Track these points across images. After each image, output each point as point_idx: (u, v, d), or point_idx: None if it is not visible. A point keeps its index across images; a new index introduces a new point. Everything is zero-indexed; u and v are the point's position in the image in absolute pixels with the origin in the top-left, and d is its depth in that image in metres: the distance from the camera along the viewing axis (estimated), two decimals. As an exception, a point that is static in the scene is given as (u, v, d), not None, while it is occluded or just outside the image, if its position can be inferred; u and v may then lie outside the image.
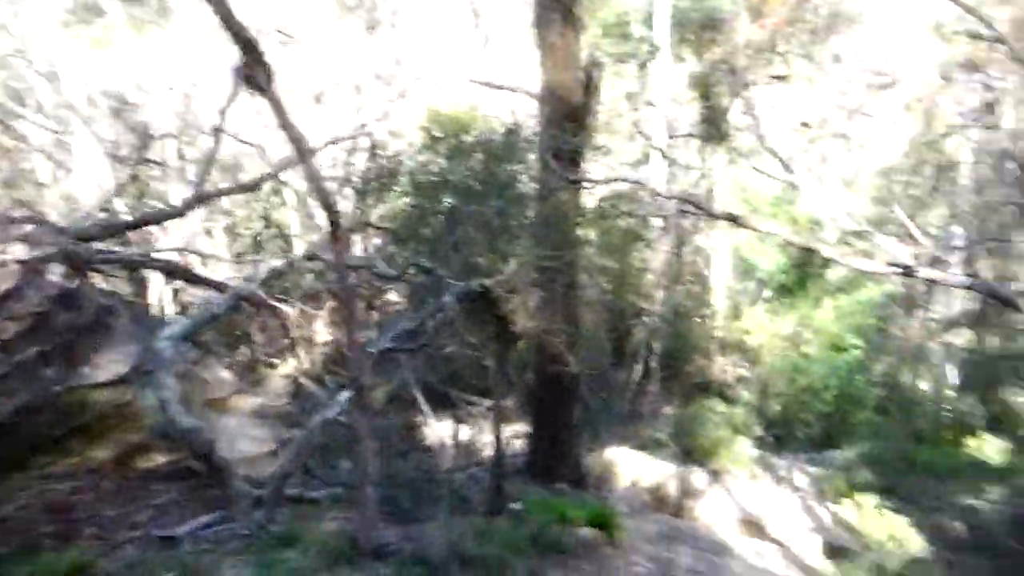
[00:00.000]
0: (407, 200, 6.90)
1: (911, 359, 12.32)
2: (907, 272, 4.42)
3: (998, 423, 10.85)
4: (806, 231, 23.30)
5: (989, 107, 5.76)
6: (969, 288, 4.48)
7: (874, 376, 16.06)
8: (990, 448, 5.34)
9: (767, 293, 22.86)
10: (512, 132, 6.32)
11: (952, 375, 15.37)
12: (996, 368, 10.37)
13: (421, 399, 11.81)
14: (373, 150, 7.06)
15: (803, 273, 23.30)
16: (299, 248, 11.10)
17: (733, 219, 5.30)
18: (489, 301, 5.89)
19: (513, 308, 5.86)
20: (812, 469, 11.96)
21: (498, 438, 7.17)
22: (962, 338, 16.11)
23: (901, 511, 9.18)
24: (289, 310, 10.67)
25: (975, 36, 6.31)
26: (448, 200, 6.53)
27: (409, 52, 13.50)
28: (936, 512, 8.49)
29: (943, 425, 13.14)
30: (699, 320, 16.73)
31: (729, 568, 6.96)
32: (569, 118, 8.30)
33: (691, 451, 10.86)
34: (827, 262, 22.84)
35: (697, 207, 5.61)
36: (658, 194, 5.94)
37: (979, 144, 9.92)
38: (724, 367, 16.16)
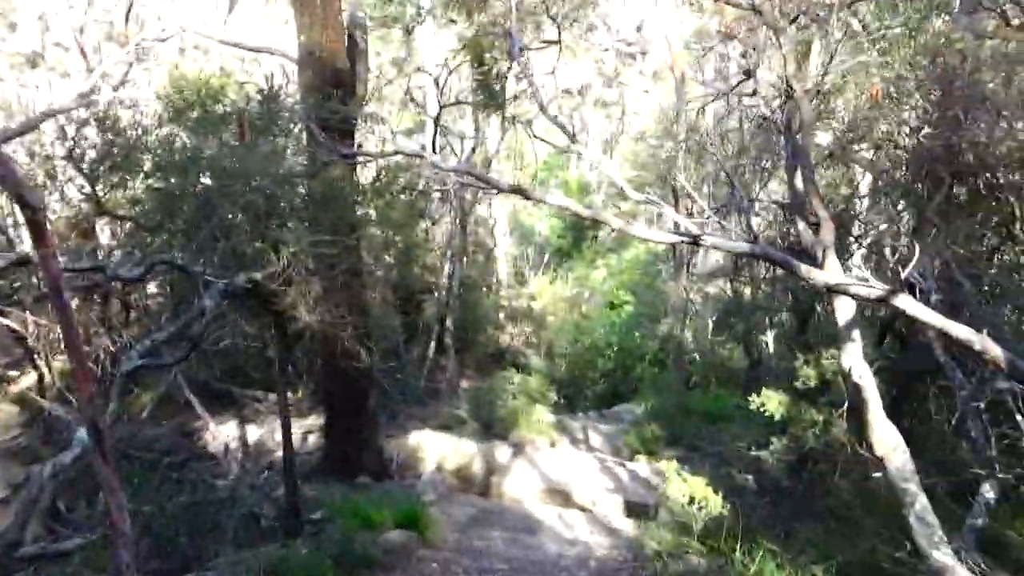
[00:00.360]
0: (151, 183, 5.73)
1: (679, 312, 13.06)
2: (695, 241, 4.25)
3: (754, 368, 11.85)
4: (578, 197, 24.28)
5: (748, 74, 6.03)
6: (751, 255, 4.40)
7: (648, 331, 17.00)
8: (772, 402, 5.54)
9: (546, 257, 23.55)
10: (271, 99, 5.40)
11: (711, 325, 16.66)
12: (751, 317, 11.22)
13: (196, 402, 10.47)
14: (105, 123, 5.76)
15: (578, 235, 24.25)
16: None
17: (521, 192, 4.89)
18: (261, 297, 5.02)
19: (290, 302, 5.03)
20: (604, 427, 12.33)
21: (287, 443, 6.30)
22: (717, 288, 17.55)
23: (688, 463, 9.74)
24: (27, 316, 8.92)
25: (730, 3, 6.39)
26: (202, 181, 5.49)
27: (147, 8, 11.75)
28: (726, 464, 8.99)
29: (713, 374, 14.17)
30: (486, 290, 16.65)
31: (542, 548, 6.74)
32: (334, 84, 7.48)
33: (491, 425, 10.67)
34: (597, 224, 24.10)
35: (483, 181, 5.11)
36: (440, 168, 5.36)
37: (739, 110, 10.56)
38: (513, 335, 16.25)
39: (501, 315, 16.51)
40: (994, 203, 6.07)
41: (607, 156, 23.50)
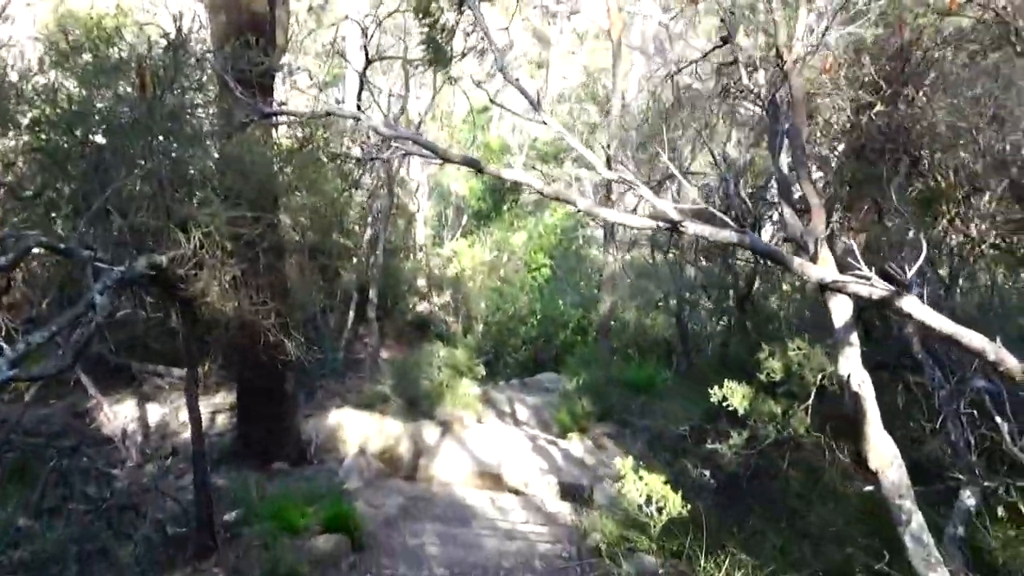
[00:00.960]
0: (29, 140, 4.72)
1: (607, 280, 12.70)
2: (675, 228, 3.73)
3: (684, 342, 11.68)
4: (498, 157, 23.55)
5: (725, 40, 5.62)
6: (739, 245, 3.92)
7: (572, 298, 16.65)
8: (736, 396, 5.18)
9: (465, 220, 22.82)
10: (178, 46, 4.47)
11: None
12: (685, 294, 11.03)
13: (87, 381, 9.35)
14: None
15: (498, 199, 23.58)
16: None
17: (474, 165, 4.25)
18: (166, 284, 4.19)
19: (202, 288, 4.23)
20: (530, 399, 11.93)
21: (197, 439, 5.50)
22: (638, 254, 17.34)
23: (620, 439, 9.45)
24: None
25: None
26: (93, 140, 4.55)
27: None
28: (658, 440, 8.72)
29: (634, 344, 13.95)
30: (407, 256, 15.85)
31: (480, 545, 6.25)
32: (251, 30, 6.50)
33: (416, 401, 10.04)
34: (518, 187, 23.49)
35: (430, 150, 4.42)
36: (381, 133, 4.61)
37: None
38: (435, 302, 15.58)
39: (421, 282, 15.78)
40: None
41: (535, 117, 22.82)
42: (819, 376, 4.91)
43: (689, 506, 4.93)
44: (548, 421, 11.01)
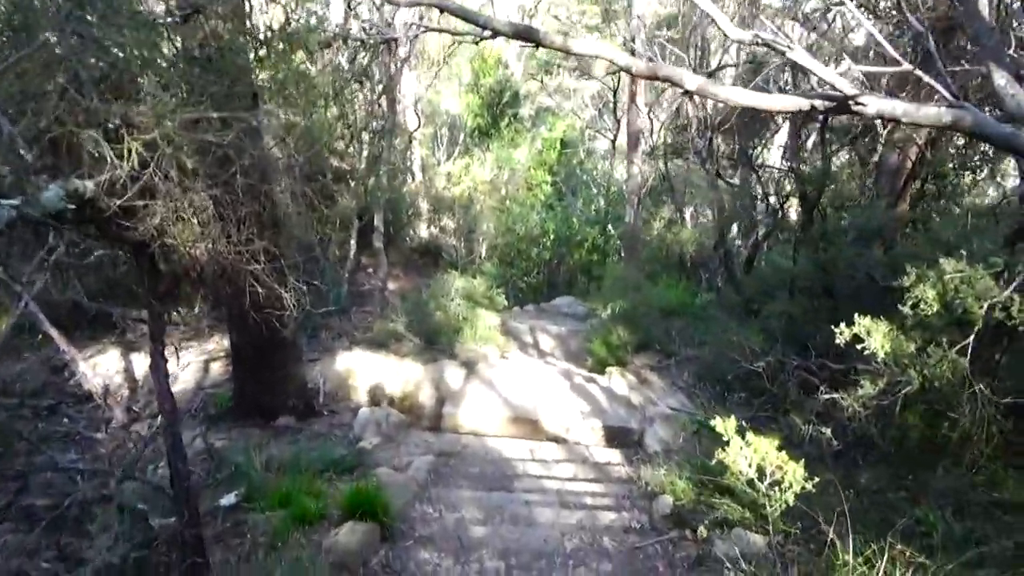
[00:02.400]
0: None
1: (631, 194, 11.33)
2: (843, 105, 2.36)
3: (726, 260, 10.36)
4: (493, 69, 21.57)
5: None
6: (951, 127, 2.52)
7: (584, 215, 15.28)
8: (876, 335, 3.94)
9: (462, 138, 21.11)
10: None
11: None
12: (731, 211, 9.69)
13: (56, 334, 8.04)
14: None
15: (496, 113, 21.77)
16: None
17: (531, 37, 2.81)
18: (99, 221, 2.81)
19: (157, 226, 2.86)
20: (553, 327, 10.73)
21: (169, 422, 4.25)
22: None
23: (666, 372, 8.26)
24: None
25: None
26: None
27: None
28: (708, 371, 7.52)
29: (658, 262, 12.68)
30: (405, 177, 14.30)
31: (529, 513, 5.10)
32: None
33: (433, 339, 8.79)
34: (517, 100, 21.65)
35: (466, 18, 2.96)
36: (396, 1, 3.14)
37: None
38: (441, 226, 14.16)
39: (424, 205, 14.31)
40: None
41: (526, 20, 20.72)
42: (983, 307, 3.63)
43: (814, 479, 3.72)
44: (577, 352, 9.84)
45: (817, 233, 6.68)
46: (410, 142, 13.14)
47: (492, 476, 5.98)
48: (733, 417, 4.04)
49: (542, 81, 20.70)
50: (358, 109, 12.10)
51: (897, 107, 2.62)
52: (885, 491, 4.51)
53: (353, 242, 10.99)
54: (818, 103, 2.78)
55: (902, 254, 5.86)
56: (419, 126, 13.23)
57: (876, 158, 8.69)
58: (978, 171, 9.85)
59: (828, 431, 4.15)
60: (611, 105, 20.15)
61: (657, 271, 12.09)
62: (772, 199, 11.18)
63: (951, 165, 8.49)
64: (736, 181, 11.85)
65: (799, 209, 11.69)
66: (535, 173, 19.11)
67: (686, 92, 2.98)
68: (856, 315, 3.93)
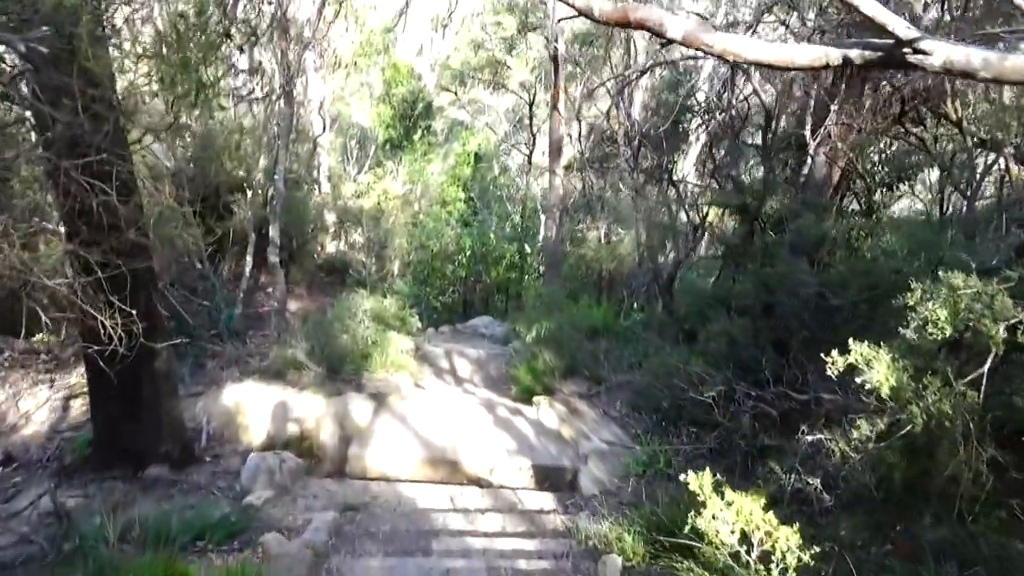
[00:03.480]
0: None
1: (553, 209, 10.60)
2: (892, 57, 1.57)
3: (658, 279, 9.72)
4: (407, 81, 20.56)
5: None
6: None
7: (501, 231, 14.45)
8: (879, 366, 3.27)
9: (373, 151, 19.96)
10: None
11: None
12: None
13: None
14: None
15: (409, 126, 20.75)
16: None
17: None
18: None
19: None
20: (472, 351, 9.79)
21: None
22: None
23: (595, 401, 7.47)
24: None
25: None
26: None
27: None
28: (645, 399, 6.76)
29: (578, 279, 12.00)
30: (312, 188, 13.09)
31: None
32: None
33: (338, 367, 7.68)
34: (430, 112, 20.70)
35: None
36: None
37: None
38: (349, 241, 13.00)
39: (330, 218, 13.10)
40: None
41: (438, 34, 19.86)
42: (1001, 329, 2.99)
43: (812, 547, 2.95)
44: (498, 378, 8.95)
45: (759, 248, 6.06)
46: (315, 148, 11.96)
47: (406, 535, 4.97)
48: (707, 474, 3.24)
49: (456, 93, 19.84)
50: (255, 108, 10.90)
51: (973, 57, 1.89)
52: (869, 545, 3.81)
53: (250, 258, 9.73)
54: (854, 54, 2.02)
55: (857, 269, 5.30)
56: (324, 130, 12.07)
57: (805, 171, 8.29)
58: (896, 186, 9.67)
59: (817, 482, 3.40)
60: (527, 120, 19.55)
61: (576, 289, 11.38)
62: (691, 215, 10.73)
63: (877, 178, 8.17)
64: (656, 197, 11.37)
65: (722, 225, 11.35)
66: (449, 189, 18.20)
67: (668, 42, 2.15)
68: (852, 341, 3.20)
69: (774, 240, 6.24)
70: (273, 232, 8.42)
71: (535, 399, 7.40)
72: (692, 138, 12.20)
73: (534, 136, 20.30)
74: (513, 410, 7.26)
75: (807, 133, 7.78)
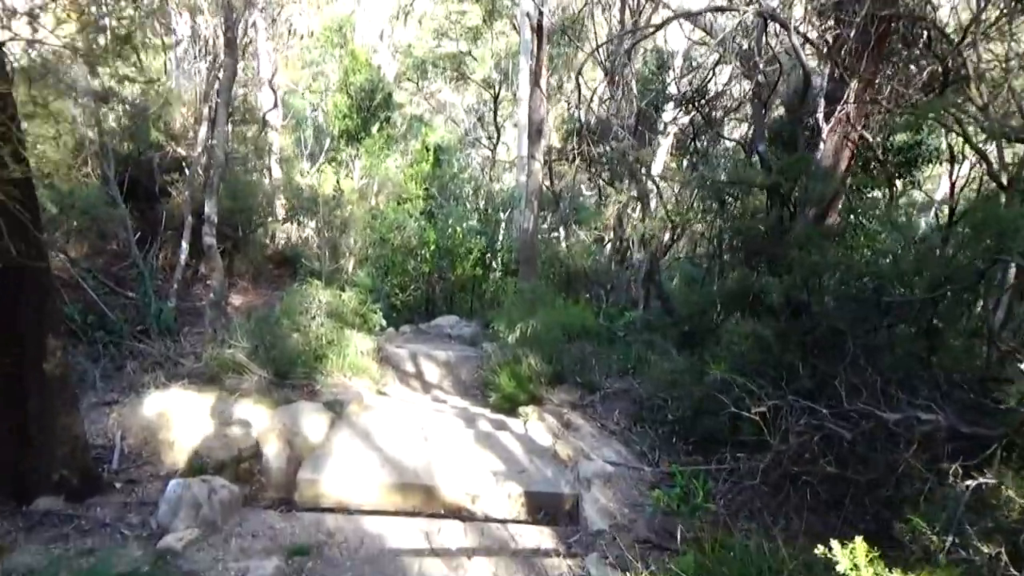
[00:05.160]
0: None
1: (530, 198, 9.43)
2: None
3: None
4: (366, 69, 19.18)
5: None
6: None
7: (468, 224, 13.14)
8: None
9: (328, 144, 18.43)
10: None
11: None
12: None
13: None
14: None
15: (367, 117, 19.28)
16: None
17: None
18: None
19: None
20: (440, 353, 8.51)
21: None
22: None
23: (590, 411, 6.30)
24: None
25: None
26: None
27: None
28: (647, 410, 5.67)
29: (552, 276, 10.86)
30: (260, 172, 11.62)
31: None
32: None
33: (287, 370, 6.33)
34: (389, 101, 19.31)
35: None
36: None
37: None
38: (300, 231, 11.58)
39: (281, 204, 11.65)
40: None
41: (399, 21, 18.43)
42: None
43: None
44: (470, 384, 7.75)
45: (801, 235, 5.00)
46: (264, 126, 10.50)
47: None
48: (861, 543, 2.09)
49: (418, 84, 18.50)
50: (197, 78, 9.44)
51: None
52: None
53: (185, 244, 8.25)
54: None
55: (927, 260, 4.26)
56: (276, 105, 10.61)
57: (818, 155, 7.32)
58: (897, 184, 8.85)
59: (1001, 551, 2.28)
60: (490, 115, 18.37)
61: (550, 287, 10.23)
62: (668, 208, 9.75)
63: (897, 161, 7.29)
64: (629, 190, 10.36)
65: (703, 221, 10.37)
66: (408, 186, 16.82)
67: None
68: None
69: (811, 226, 5.19)
70: (209, 208, 6.99)
71: (521, 410, 6.19)
72: (669, 128, 11.23)
73: (499, 129, 19.15)
74: (496, 423, 6.03)
75: (820, 116, 6.84)
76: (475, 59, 17.70)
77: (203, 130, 8.28)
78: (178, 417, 5.38)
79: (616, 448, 5.63)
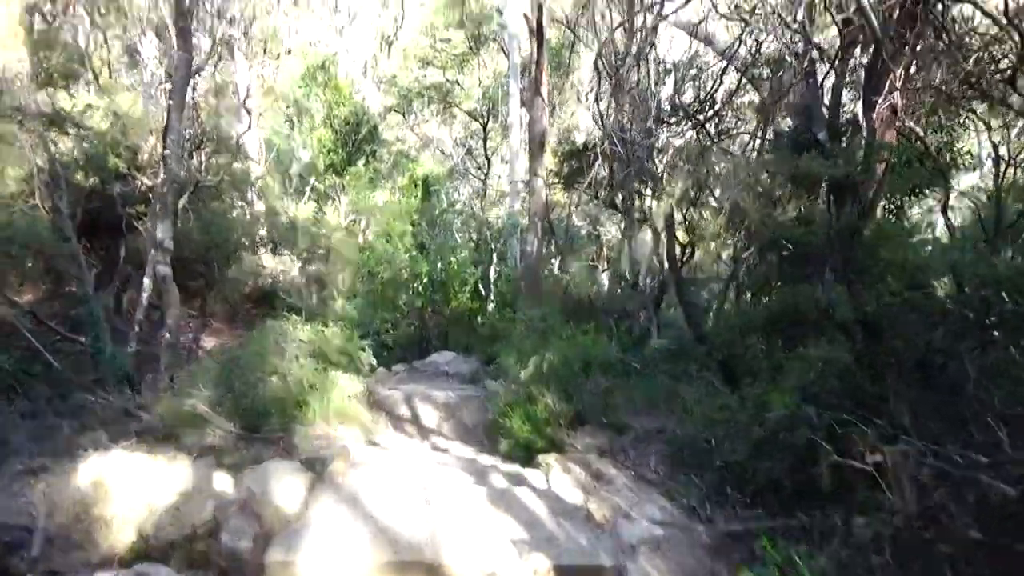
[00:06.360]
0: None
1: (535, 225, 8.48)
2: None
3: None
4: (349, 101, 18.42)
5: None
6: None
7: (461, 252, 12.15)
8: None
9: (312, 182, 17.47)
10: None
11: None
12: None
13: None
14: None
15: (353, 152, 18.38)
16: None
17: None
18: None
19: None
20: (439, 394, 7.42)
21: None
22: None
23: (624, 458, 5.23)
24: None
25: None
26: None
27: None
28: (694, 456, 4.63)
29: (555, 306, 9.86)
30: (233, 203, 10.60)
31: None
32: None
33: (258, 422, 5.21)
34: (374, 135, 18.48)
35: None
36: None
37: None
38: (282, 262, 10.53)
39: (259, 239, 10.61)
40: None
41: (383, 53, 17.69)
42: None
43: None
44: (475, 428, 6.67)
45: (873, 236, 4.02)
46: (238, 149, 9.53)
47: None
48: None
49: (404, 115, 17.67)
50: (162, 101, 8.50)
51: None
52: None
53: (148, 280, 7.16)
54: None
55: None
56: (250, 127, 9.66)
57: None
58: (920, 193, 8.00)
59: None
60: (479, 146, 17.57)
61: (558, 316, 9.21)
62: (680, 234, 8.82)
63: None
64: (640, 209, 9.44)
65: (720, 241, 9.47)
66: (394, 224, 15.85)
67: None
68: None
69: (894, 224, 4.24)
70: (162, 232, 5.93)
71: (540, 459, 5.09)
72: (675, 140, 10.38)
73: (488, 159, 18.34)
74: (512, 476, 4.93)
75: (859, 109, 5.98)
76: (462, 87, 16.95)
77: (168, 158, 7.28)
78: (119, 487, 4.25)
79: (659, 503, 4.55)
